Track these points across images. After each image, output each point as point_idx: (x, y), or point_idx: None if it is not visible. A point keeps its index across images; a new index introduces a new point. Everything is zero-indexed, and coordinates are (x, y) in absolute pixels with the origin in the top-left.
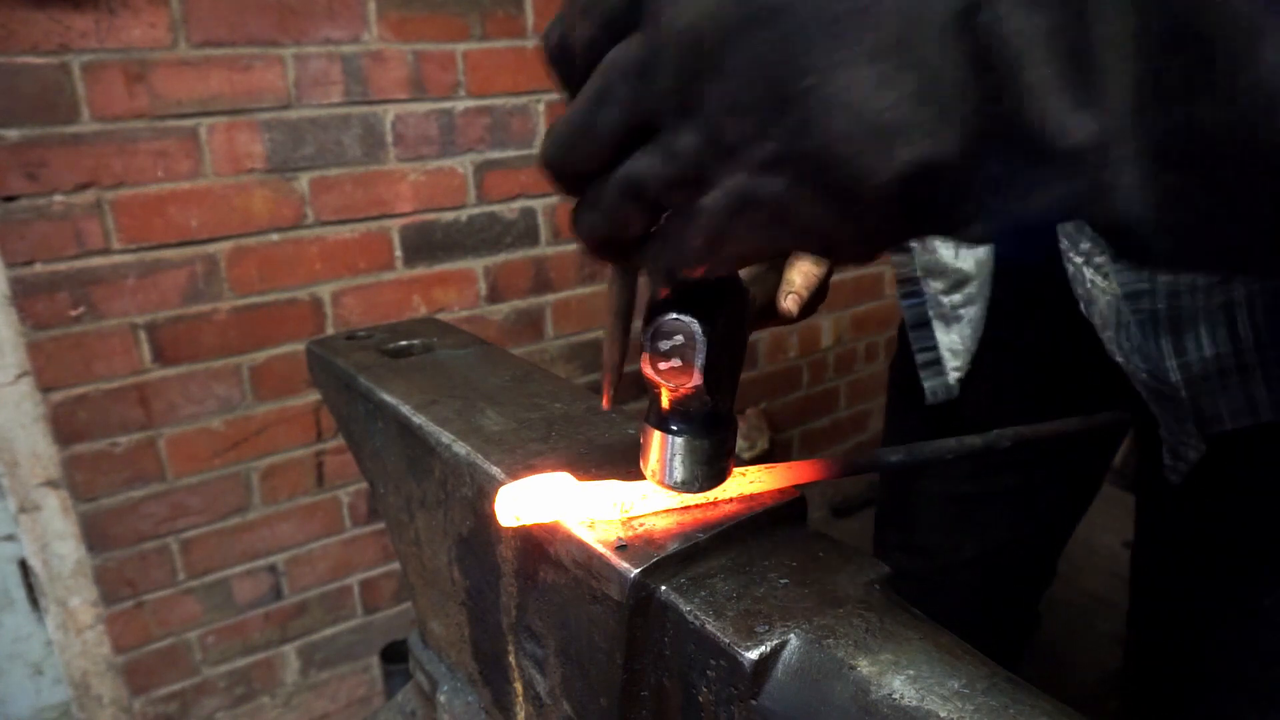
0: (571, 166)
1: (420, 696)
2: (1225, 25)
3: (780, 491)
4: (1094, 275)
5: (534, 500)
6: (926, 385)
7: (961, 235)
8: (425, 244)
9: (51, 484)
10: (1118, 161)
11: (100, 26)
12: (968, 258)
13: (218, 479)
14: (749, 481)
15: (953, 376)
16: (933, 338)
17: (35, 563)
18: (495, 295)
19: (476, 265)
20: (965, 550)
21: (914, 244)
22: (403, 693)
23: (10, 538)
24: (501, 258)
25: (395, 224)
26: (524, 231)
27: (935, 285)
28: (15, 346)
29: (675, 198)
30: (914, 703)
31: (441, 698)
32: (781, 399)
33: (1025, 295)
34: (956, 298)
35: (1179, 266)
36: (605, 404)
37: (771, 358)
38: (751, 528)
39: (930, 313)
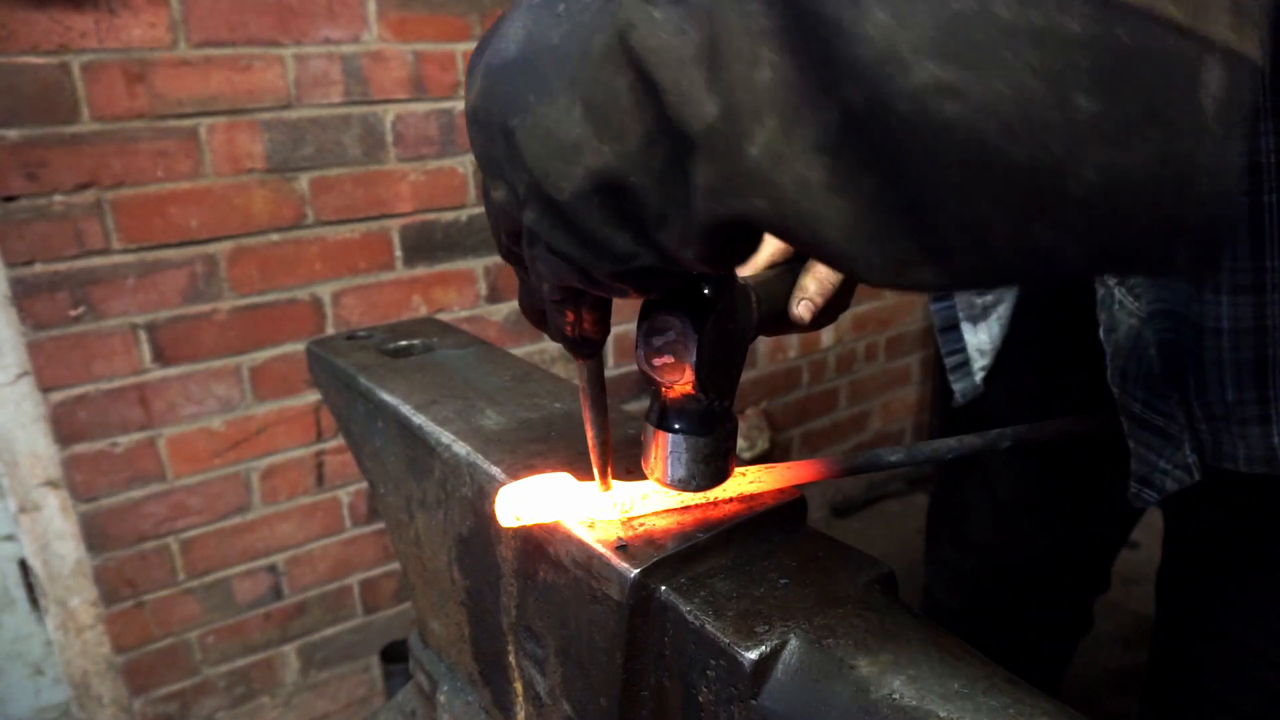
0: (494, 235)
1: (420, 696)
2: (829, 3)
3: (780, 491)
4: (1124, 296)
5: (534, 500)
6: (956, 388)
7: (670, 249)
8: (425, 244)
9: (51, 484)
10: (781, 155)
11: (100, 26)
12: None
13: (218, 479)
14: (749, 481)
15: (979, 376)
16: (961, 340)
17: (35, 563)
18: (495, 295)
19: (477, 265)
20: (1012, 553)
21: None
22: (403, 693)
23: (10, 538)
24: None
25: (395, 224)
26: None
27: None
28: (15, 346)
29: (520, 247)
30: (914, 703)
31: (441, 698)
32: (781, 399)
33: (1052, 297)
34: (989, 296)
35: (892, 281)
36: (601, 486)
37: (771, 358)
38: (751, 528)
39: (960, 314)
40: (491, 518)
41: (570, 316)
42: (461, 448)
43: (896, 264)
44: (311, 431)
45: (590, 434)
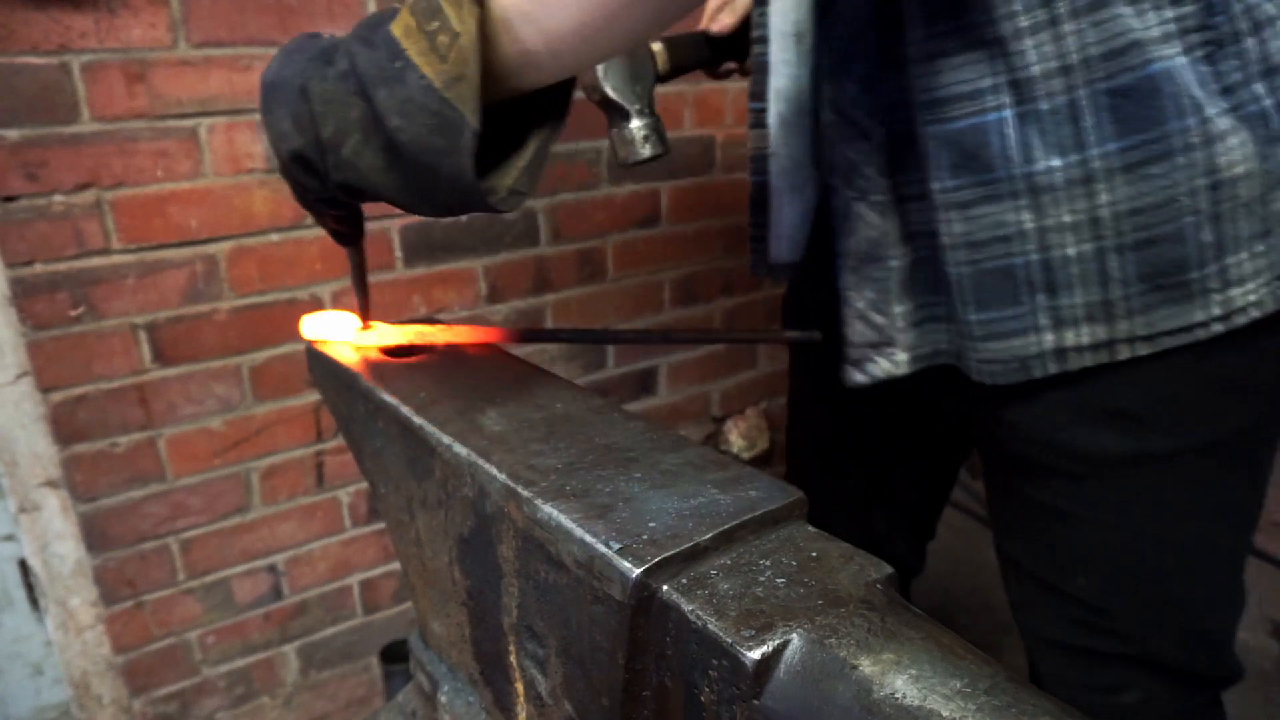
0: None
1: (421, 697)
2: (380, 89)
3: (782, 492)
4: (865, 210)
5: (323, 327)
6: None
7: (333, 190)
8: (425, 244)
9: (51, 484)
10: (360, 153)
11: (100, 26)
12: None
13: (218, 479)
14: (449, 335)
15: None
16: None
17: (35, 563)
18: (495, 295)
19: (476, 265)
20: (832, 482)
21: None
22: (403, 693)
23: (10, 538)
24: (501, 258)
25: (395, 224)
26: (524, 231)
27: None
28: (15, 346)
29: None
30: (916, 702)
31: (442, 698)
32: (781, 399)
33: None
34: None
35: (416, 211)
36: (363, 325)
37: (772, 358)
38: (753, 527)
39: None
40: (493, 518)
41: (321, 218)
42: (462, 448)
43: (415, 207)
44: (311, 431)
45: (356, 292)
